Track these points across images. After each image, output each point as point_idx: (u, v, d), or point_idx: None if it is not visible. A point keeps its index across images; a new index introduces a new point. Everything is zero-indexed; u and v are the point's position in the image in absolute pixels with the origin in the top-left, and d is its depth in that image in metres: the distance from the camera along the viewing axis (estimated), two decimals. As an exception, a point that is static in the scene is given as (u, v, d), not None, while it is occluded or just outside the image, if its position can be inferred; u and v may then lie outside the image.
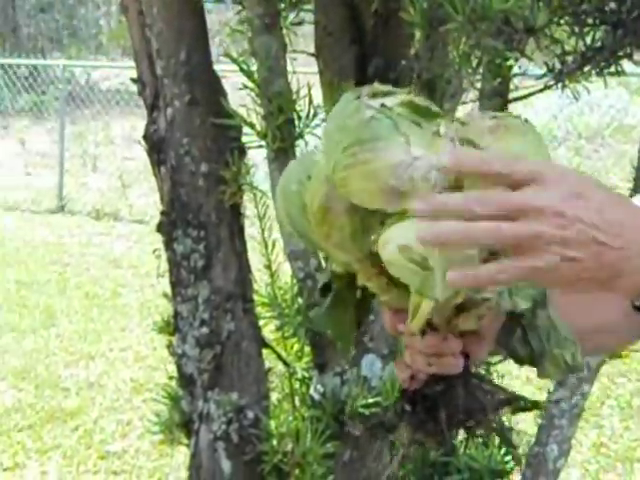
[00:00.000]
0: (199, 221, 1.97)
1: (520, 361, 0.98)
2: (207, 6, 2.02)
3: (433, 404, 0.96)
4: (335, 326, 1.00)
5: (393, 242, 0.83)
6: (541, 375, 0.97)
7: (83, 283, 6.32)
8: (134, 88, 2.06)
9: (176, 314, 2.02)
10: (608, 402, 4.36)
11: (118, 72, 12.42)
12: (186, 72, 1.92)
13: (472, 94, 2.36)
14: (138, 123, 2.05)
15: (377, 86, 0.88)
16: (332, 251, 0.91)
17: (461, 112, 0.99)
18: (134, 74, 2.01)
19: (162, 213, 2.00)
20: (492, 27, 1.60)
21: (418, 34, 1.86)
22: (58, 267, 6.69)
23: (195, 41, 1.93)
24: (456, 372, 0.94)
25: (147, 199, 7.77)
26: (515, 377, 4.01)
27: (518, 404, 0.98)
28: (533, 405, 1.00)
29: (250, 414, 1.98)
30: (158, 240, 2.06)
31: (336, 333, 1.02)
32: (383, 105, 0.84)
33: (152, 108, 1.98)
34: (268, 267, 2.10)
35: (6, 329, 5.38)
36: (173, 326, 2.04)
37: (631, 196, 1.56)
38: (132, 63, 2.04)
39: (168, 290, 2.05)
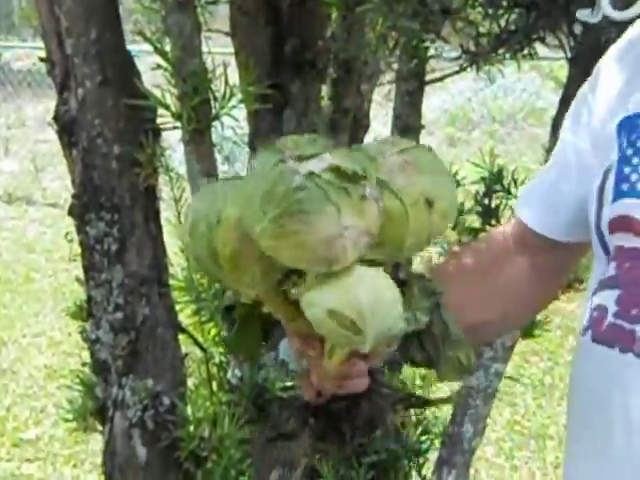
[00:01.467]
0: (112, 204, 1.93)
1: (417, 365, 1.02)
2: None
3: (337, 418, 0.98)
4: (243, 348, 1.03)
5: (320, 306, 0.84)
6: (439, 377, 1.01)
7: (-6, 268, 6.18)
8: (46, 69, 2.00)
9: (89, 299, 1.97)
10: (522, 381, 4.45)
11: (30, 52, 12.12)
12: (97, 51, 1.87)
13: (389, 76, 2.36)
14: (51, 105, 1.99)
15: (298, 141, 0.86)
16: (241, 289, 0.90)
17: (372, 139, 1.00)
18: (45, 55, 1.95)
19: (74, 196, 1.94)
20: (408, 9, 1.60)
21: (335, 15, 1.85)
22: (-32, 252, 6.52)
23: (106, 19, 1.88)
24: (361, 389, 0.99)
25: (61, 182, 7.62)
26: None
27: (412, 402, 1.02)
28: (424, 403, 1.04)
29: (166, 400, 1.95)
30: (72, 224, 2.01)
31: (245, 354, 1.05)
32: (311, 173, 0.82)
33: (62, 88, 1.93)
34: (183, 251, 2.07)
35: None
36: (86, 311, 1.99)
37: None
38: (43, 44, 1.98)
39: (81, 275, 2.00)
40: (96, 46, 1.86)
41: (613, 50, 1.17)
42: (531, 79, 10.04)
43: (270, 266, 0.88)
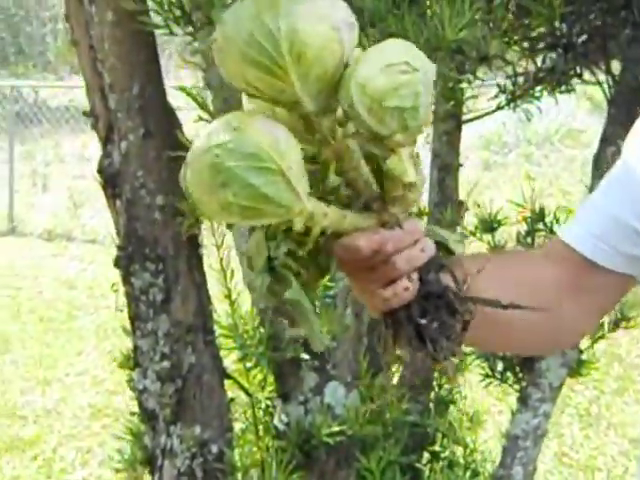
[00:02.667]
0: (156, 254, 1.95)
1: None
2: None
3: (437, 295, 0.95)
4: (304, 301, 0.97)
5: (372, 73, 0.83)
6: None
7: (37, 307, 6.24)
8: (84, 104, 2.03)
9: (136, 349, 1.99)
10: (568, 410, 4.41)
11: (67, 90, 12.30)
12: (140, 105, 1.90)
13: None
14: (88, 141, 2.03)
15: None
16: (295, 189, 0.85)
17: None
18: (82, 92, 1.99)
19: (119, 248, 1.97)
20: (446, 56, 1.61)
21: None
22: (11, 291, 6.59)
23: (148, 74, 1.91)
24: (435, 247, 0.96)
25: (99, 218, 7.69)
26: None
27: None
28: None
29: (214, 448, 1.96)
30: (112, 260, 2.03)
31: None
32: None
33: (106, 141, 1.96)
34: (228, 297, 2.09)
35: (-41, 356, 5.30)
36: (133, 361, 2.01)
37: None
38: (81, 81, 2.01)
39: (127, 324, 2.02)
40: (139, 100, 1.89)
41: None
42: (566, 100, 10.01)
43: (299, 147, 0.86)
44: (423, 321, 0.94)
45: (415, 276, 0.94)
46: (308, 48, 0.81)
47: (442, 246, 1.00)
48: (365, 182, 0.92)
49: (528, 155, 9.92)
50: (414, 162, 0.92)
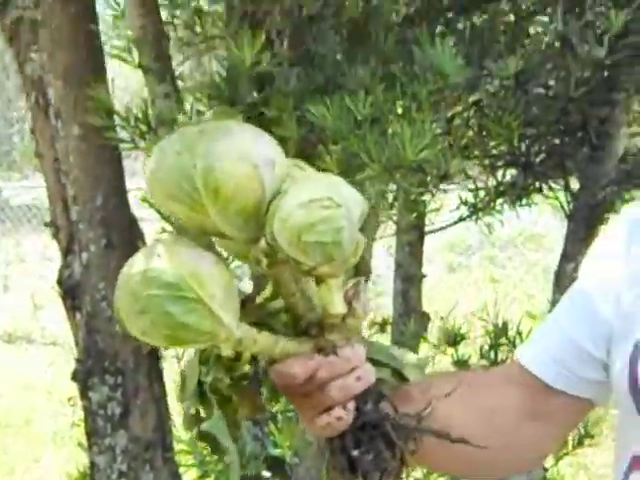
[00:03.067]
0: (116, 367, 1.92)
1: (385, 383, 1.00)
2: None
3: (373, 426, 0.93)
4: (224, 435, 0.99)
5: (293, 208, 0.83)
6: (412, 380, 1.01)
7: (-6, 411, 6.10)
8: (47, 204, 2.01)
9: (92, 465, 1.94)
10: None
11: (30, 188, 12.29)
12: (102, 217, 1.90)
13: (389, 228, 2.38)
14: (50, 240, 2.02)
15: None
16: (219, 317, 0.85)
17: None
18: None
19: (77, 360, 1.94)
20: (408, 174, 1.63)
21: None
22: (-32, 395, 6.45)
23: (112, 186, 1.91)
24: (375, 376, 0.95)
25: (60, 320, 7.60)
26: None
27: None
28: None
29: None
30: (72, 363, 1.99)
31: (231, 434, 1.00)
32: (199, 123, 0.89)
33: (66, 252, 1.95)
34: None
35: None
36: (89, 478, 1.96)
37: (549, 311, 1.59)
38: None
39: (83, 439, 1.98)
40: (101, 212, 1.89)
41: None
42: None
43: (227, 272, 0.87)
44: (355, 452, 0.92)
45: (351, 405, 0.92)
46: (224, 186, 0.82)
47: (395, 371, 0.99)
48: (302, 307, 0.91)
49: (492, 257, 10.01)
50: (353, 291, 0.92)
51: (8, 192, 13.20)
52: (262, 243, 0.86)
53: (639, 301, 1.06)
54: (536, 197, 2.14)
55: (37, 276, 9.75)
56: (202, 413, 0.97)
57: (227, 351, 0.90)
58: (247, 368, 0.94)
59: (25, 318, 8.54)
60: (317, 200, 0.82)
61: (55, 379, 6.56)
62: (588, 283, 1.14)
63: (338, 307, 0.89)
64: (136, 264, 0.89)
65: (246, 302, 0.91)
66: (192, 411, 0.95)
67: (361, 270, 0.94)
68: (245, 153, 0.82)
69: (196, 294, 0.83)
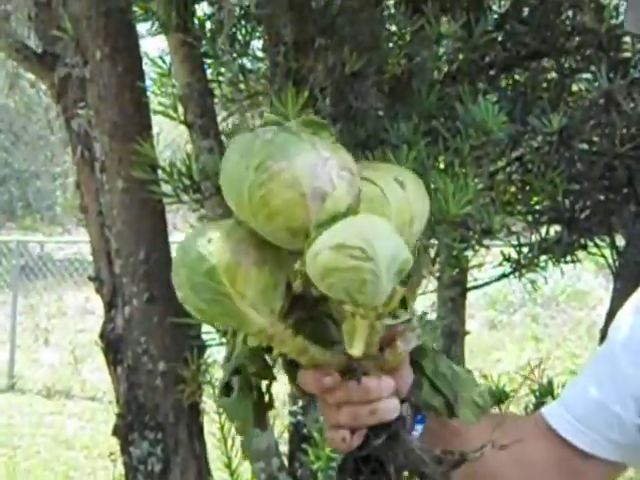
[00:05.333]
0: (156, 422, 1.92)
1: (436, 412, 0.96)
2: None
3: (378, 461, 0.91)
4: (238, 418, 0.97)
5: (324, 247, 0.82)
6: (463, 420, 0.95)
7: (33, 467, 6.09)
8: (89, 258, 2.04)
9: (132, 522, 1.93)
10: None
11: (72, 242, 12.43)
12: (145, 271, 1.91)
13: (431, 284, 2.37)
14: (92, 294, 2.04)
15: (271, 116, 0.90)
16: (246, 314, 0.87)
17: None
18: (88, 246, 2.00)
19: (118, 415, 1.94)
20: (450, 229, 1.62)
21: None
22: (7, 450, 6.45)
23: (154, 240, 1.92)
24: (396, 414, 0.91)
25: (100, 373, 7.62)
26: None
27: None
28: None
29: None
30: (112, 418, 1.99)
31: (237, 426, 0.99)
32: (281, 124, 0.87)
33: (109, 306, 1.96)
34: (228, 466, 2.04)
35: (-49, 519, 5.13)
36: (129, 534, 1.94)
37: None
38: (87, 235, 2.03)
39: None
40: (144, 266, 1.90)
41: None
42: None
43: (270, 276, 0.86)
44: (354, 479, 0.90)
45: (361, 432, 0.90)
46: (269, 202, 0.84)
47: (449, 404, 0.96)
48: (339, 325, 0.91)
49: (534, 315, 9.90)
50: (399, 330, 0.90)
51: (50, 246, 13.37)
52: (298, 264, 0.87)
53: None
54: (580, 254, 2.12)
55: (78, 330, 9.82)
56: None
57: (253, 342, 0.91)
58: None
59: (65, 373, 8.58)
60: (348, 247, 0.81)
61: (94, 435, 6.56)
62: (616, 345, 1.13)
63: (354, 349, 0.87)
64: (189, 240, 0.91)
65: (295, 301, 0.90)
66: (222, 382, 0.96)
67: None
68: (297, 180, 0.83)
69: (225, 289, 0.86)
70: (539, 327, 9.32)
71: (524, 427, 1.19)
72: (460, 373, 0.97)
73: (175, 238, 2.01)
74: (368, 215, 0.87)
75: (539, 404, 1.92)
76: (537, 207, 1.90)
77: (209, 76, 1.80)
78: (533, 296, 10.02)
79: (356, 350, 0.87)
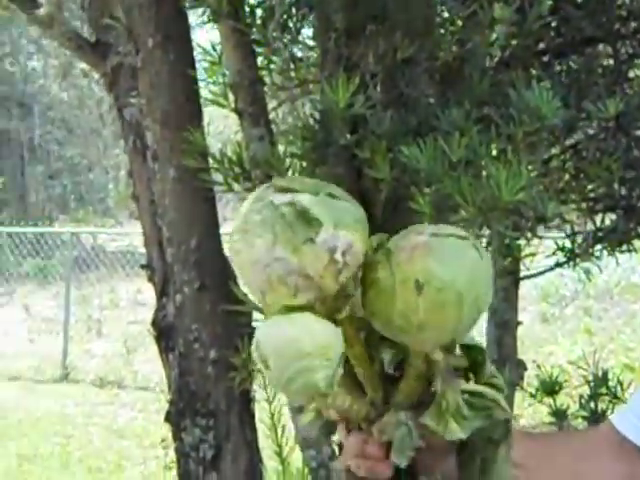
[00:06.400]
0: (208, 409, 1.92)
1: None
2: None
3: None
4: None
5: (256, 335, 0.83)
6: None
7: (86, 456, 6.17)
8: (141, 250, 2.05)
9: (184, 508, 1.94)
10: None
11: (124, 234, 12.56)
12: (196, 259, 1.91)
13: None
14: (144, 286, 2.06)
15: (292, 179, 0.89)
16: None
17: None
18: (140, 238, 2.01)
19: (170, 402, 1.95)
20: (503, 217, 1.60)
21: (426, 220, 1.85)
22: (61, 439, 6.54)
23: (206, 228, 1.93)
24: (384, 477, 0.90)
25: (152, 364, 7.69)
26: None
27: None
28: None
29: None
30: (163, 408, 2.00)
31: None
32: (271, 202, 0.84)
33: (161, 294, 1.97)
34: (279, 454, 2.04)
35: (6, 506, 5.22)
36: (181, 520, 1.96)
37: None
38: (139, 226, 2.05)
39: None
40: (196, 254, 1.91)
41: None
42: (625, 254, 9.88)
43: None
44: None
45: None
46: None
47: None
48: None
49: (587, 308, 9.77)
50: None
51: (103, 238, 13.54)
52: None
53: None
54: (636, 243, 2.08)
55: (129, 321, 9.93)
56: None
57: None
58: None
59: (117, 363, 8.68)
60: (258, 346, 0.83)
61: (145, 424, 6.63)
62: None
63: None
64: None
65: None
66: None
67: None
68: (242, 265, 0.84)
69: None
70: (592, 320, 9.19)
71: (589, 441, 1.17)
72: (499, 473, 0.92)
73: (225, 229, 2.01)
74: (310, 322, 0.83)
75: (593, 395, 1.89)
76: (592, 195, 1.87)
77: (259, 64, 1.80)
78: (586, 289, 9.90)
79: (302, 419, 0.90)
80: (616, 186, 1.74)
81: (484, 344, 2.33)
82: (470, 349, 0.91)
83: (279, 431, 2.03)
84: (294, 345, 0.81)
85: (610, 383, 1.90)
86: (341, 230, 0.83)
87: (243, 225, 0.84)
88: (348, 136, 1.74)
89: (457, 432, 0.88)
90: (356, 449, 0.90)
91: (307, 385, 0.82)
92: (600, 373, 1.90)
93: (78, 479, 5.72)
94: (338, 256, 0.82)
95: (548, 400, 1.94)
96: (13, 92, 16.52)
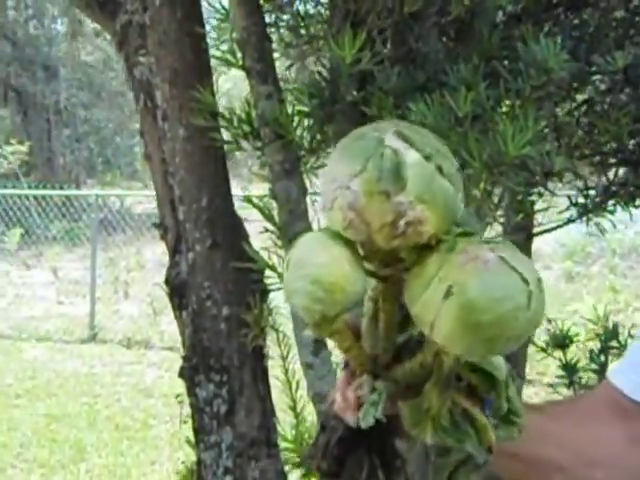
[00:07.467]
0: (221, 365, 1.95)
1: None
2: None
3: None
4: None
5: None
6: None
7: (114, 415, 6.26)
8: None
9: (199, 462, 1.97)
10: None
11: (151, 197, 12.60)
12: (208, 217, 1.93)
13: (495, 229, 2.35)
14: None
15: (419, 132, 0.85)
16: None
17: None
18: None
19: (184, 358, 1.97)
20: (510, 171, 1.60)
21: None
22: (89, 399, 6.64)
23: (216, 187, 1.94)
24: (350, 424, 0.92)
25: (178, 326, 7.75)
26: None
27: None
28: None
29: None
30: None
31: None
32: (382, 138, 0.82)
33: (174, 252, 1.99)
34: (293, 409, 2.06)
35: (35, 465, 5.31)
36: (196, 474, 1.99)
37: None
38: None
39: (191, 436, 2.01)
40: (207, 212, 1.92)
41: None
42: (651, 210, 9.82)
43: None
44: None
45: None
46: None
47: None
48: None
49: (613, 267, 9.73)
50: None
51: (130, 201, 13.61)
52: None
53: None
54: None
55: (156, 283, 10.01)
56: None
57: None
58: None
59: (144, 324, 8.77)
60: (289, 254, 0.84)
61: (172, 383, 6.70)
62: None
63: None
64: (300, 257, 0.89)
65: None
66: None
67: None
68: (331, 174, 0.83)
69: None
70: (617, 278, 9.15)
71: (586, 407, 1.18)
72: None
73: (236, 186, 2.02)
74: (333, 252, 0.84)
75: (604, 348, 1.90)
76: (603, 149, 1.86)
77: (267, 20, 1.80)
78: (612, 247, 9.85)
79: None
80: (626, 140, 1.73)
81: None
82: (486, 375, 0.90)
83: (293, 386, 2.05)
84: (310, 259, 0.83)
85: (620, 337, 1.90)
86: (419, 204, 0.81)
87: (348, 142, 0.83)
88: (355, 93, 1.74)
89: (424, 434, 0.88)
90: (340, 385, 0.93)
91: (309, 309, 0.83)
92: (611, 326, 1.90)
93: (105, 437, 5.81)
94: (401, 223, 0.81)
95: (558, 354, 1.95)
96: (38, 55, 16.55)
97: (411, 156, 0.81)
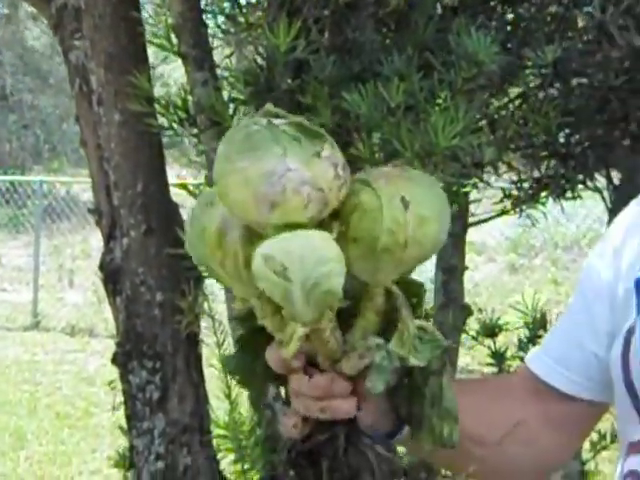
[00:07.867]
0: (155, 351, 1.95)
1: (400, 419, 0.98)
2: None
3: (315, 456, 0.93)
4: (243, 373, 0.97)
5: (258, 254, 0.83)
6: (415, 439, 0.95)
7: (55, 403, 6.22)
8: None
9: (131, 448, 1.97)
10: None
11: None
12: (142, 202, 1.93)
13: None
14: None
15: (272, 108, 0.88)
16: (230, 282, 0.90)
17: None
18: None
19: (117, 344, 1.97)
20: (441, 162, 1.62)
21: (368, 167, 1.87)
22: (30, 386, 6.59)
23: (152, 172, 1.94)
24: (349, 416, 0.92)
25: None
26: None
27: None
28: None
29: None
30: None
31: (243, 380, 0.98)
32: (269, 122, 0.86)
33: (108, 238, 1.99)
34: (228, 396, 2.07)
35: (-26, 452, 5.26)
36: (129, 460, 1.99)
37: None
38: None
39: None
40: (142, 197, 1.92)
41: (633, 208, 1.17)
42: (594, 204, 9.99)
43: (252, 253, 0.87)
44: (291, 472, 0.93)
45: (310, 424, 0.92)
46: (224, 197, 0.86)
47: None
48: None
49: (555, 259, 9.87)
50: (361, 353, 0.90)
51: (76, 189, 13.46)
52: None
53: (628, 295, 1.05)
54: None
55: (102, 271, 9.92)
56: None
57: (239, 306, 0.93)
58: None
59: (88, 312, 8.71)
60: (273, 261, 0.82)
61: (115, 372, 6.68)
62: (587, 281, 1.14)
63: (286, 351, 0.88)
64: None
65: None
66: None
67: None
68: (249, 182, 0.83)
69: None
70: (559, 271, 9.30)
71: (503, 384, 1.21)
72: (446, 401, 0.94)
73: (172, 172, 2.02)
74: (321, 234, 0.85)
75: (532, 337, 1.94)
76: (535, 142, 1.90)
77: (203, 6, 1.80)
78: (555, 240, 9.99)
79: (288, 352, 0.88)
80: (555, 132, 1.76)
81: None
82: (410, 284, 0.94)
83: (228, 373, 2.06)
84: (317, 252, 0.83)
85: (548, 326, 1.94)
86: (335, 147, 0.86)
87: (239, 146, 0.84)
88: (290, 81, 1.75)
89: (419, 360, 0.90)
90: (323, 390, 0.90)
91: (331, 290, 0.83)
92: (539, 315, 1.94)
93: (46, 425, 5.77)
94: (340, 170, 0.85)
95: (488, 342, 1.98)
96: (-17, 39, 16.28)
97: (299, 119, 0.86)
